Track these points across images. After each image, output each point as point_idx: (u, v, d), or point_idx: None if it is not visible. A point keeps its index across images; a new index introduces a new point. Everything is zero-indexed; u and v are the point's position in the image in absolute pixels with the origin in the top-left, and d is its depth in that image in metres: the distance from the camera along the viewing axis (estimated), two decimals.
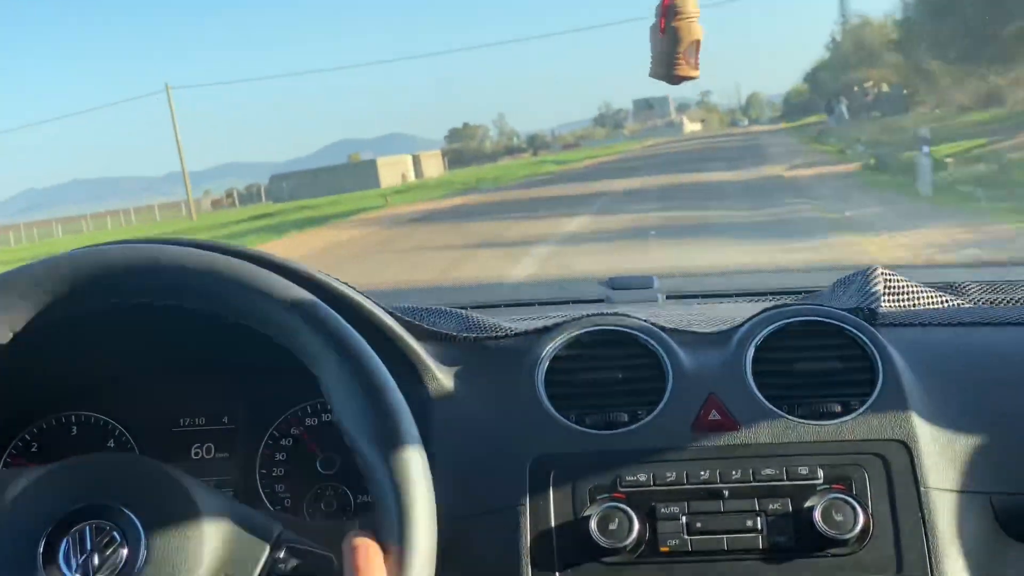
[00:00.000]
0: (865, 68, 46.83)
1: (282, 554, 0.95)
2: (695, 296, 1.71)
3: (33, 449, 1.31)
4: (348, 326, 1.00)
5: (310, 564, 0.95)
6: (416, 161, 65.64)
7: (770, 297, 1.61)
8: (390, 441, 0.94)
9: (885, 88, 42.91)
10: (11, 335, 0.99)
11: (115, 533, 0.92)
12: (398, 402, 0.97)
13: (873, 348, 1.19)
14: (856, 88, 45.55)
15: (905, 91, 37.64)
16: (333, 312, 1.00)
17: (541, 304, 1.64)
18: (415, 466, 0.94)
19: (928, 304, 1.38)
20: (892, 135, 26.79)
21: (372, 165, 58.59)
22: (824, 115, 52.38)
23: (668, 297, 1.69)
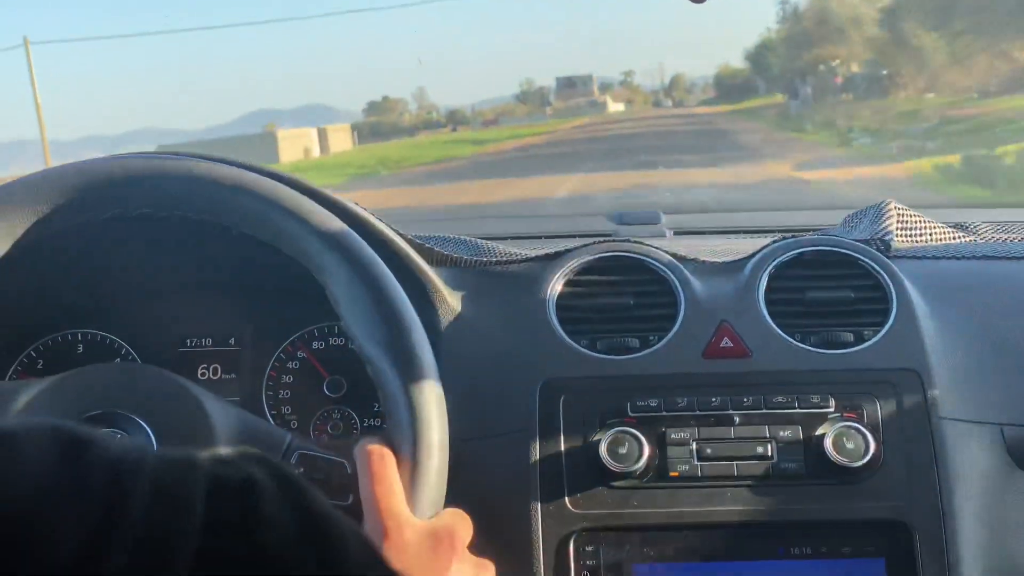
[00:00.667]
0: (831, 45, 41.68)
1: (294, 460, 0.96)
2: (703, 232, 1.70)
3: (39, 366, 1.31)
4: (353, 232, 0.99)
5: (322, 470, 0.96)
6: (322, 135, 58.25)
7: (778, 234, 1.59)
8: (399, 344, 0.94)
9: (855, 68, 39.66)
10: (10, 245, 0.98)
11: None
12: (405, 306, 0.96)
13: (887, 277, 1.19)
14: (821, 67, 40.84)
15: (885, 71, 34.42)
16: (338, 219, 0.99)
17: (549, 237, 1.63)
18: (426, 369, 0.94)
19: (940, 239, 1.37)
20: (897, 122, 23.23)
21: (271, 138, 50.79)
22: (773, 96, 49.12)
23: (676, 233, 1.68)
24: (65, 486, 0.42)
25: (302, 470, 0.97)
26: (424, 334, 0.97)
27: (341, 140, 60.08)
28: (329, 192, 1.17)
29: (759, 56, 56.82)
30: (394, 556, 0.83)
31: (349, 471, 0.96)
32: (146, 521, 0.42)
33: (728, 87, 71.87)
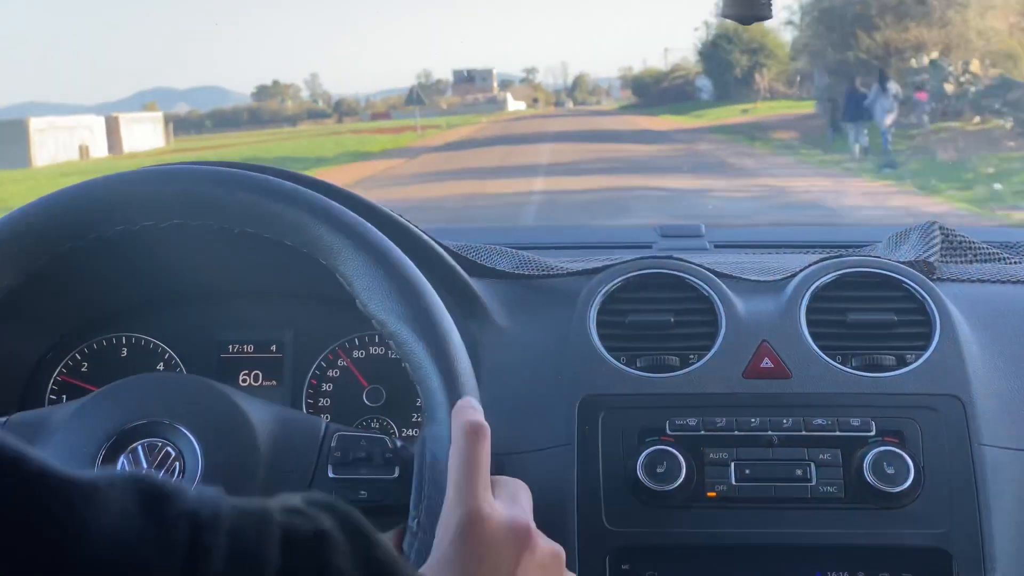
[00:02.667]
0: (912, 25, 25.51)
1: (334, 443, 0.97)
2: (744, 246, 1.69)
3: (83, 369, 1.32)
4: (361, 219, 0.99)
5: (363, 448, 0.97)
6: (112, 125, 40.61)
7: (821, 249, 1.59)
8: (422, 317, 0.93)
9: (975, 68, 22.36)
10: (52, 256, 1.00)
11: (169, 449, 0.93)
12: (423, 282, 0.96)
13: (930, 301, 1.18)
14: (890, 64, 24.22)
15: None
16: (345, 208, 0.99)
17: (589, 248, 1.63)
18: (451, 335, 0.94)
19: (986, 260, 1.36)
20: None
21: (20, 129, 34.14)
22: (750, 105, 38.45)
23: (716, 246, 1.67)
24: (148, 541, 0.43)
25: (340, 453, 0.97)
26: (443, 306, 0.96)
27: (145, 134, 43.94)
28: (365, 197, 1.18)
29: (717, 52, 46.60)
30: (473, 544, 0.79)
31: (390, 445, 0.97)
32: (224, 574, 0.43)
33: (648, 90, 62.13)
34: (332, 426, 1.00)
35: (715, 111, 38.56)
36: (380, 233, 0.99)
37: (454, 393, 0.92)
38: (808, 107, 31.83)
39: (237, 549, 0.44)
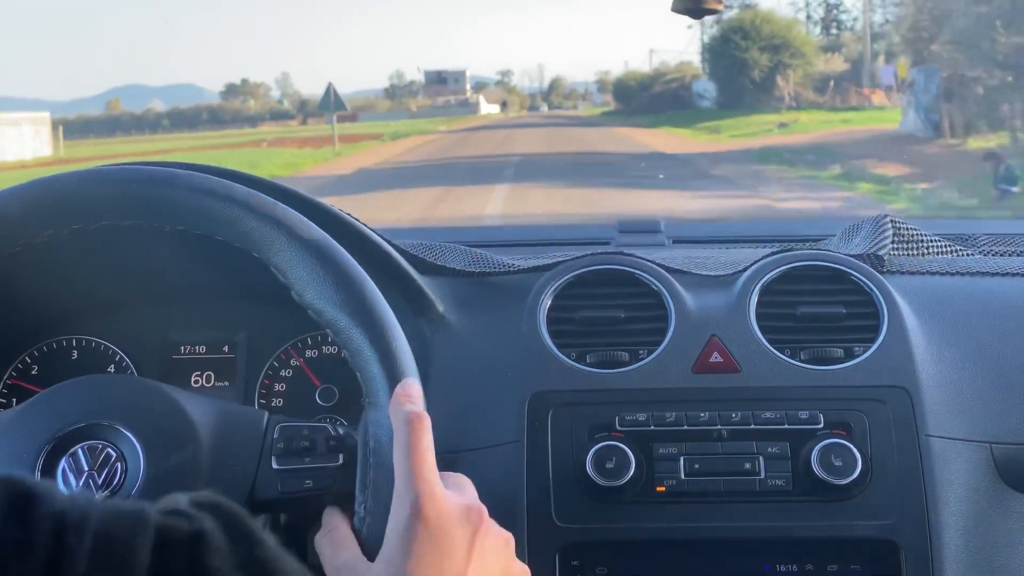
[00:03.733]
0: None
1: (276, 434, 0.97)
2: (702, 241, 1.70)
3: (33, 372, 1.31)
4: (291, 210, 0.98)
5: (306, 437, 0.96)
6: None
7: (777, 244, 1.59)
8: (358, 303, 0.93)
9: None
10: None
11: (110, 450, 0.93)
12: (357, 269, 0.95)
13: (878, 294, 1.19)
14: None
15: None
16: (277, 201, 0.99)
17: (547, 245, 1.63)
18: (389, 322, 0.93)
19: (937, 253, 1.36)
20: None
21: None
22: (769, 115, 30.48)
23: (675, 241, 1.68)
24: (8, 542, 0.42)
25: (283, 444, 0.96)
26: (378, 292, 0.96)
27: (20, 139, 34.01)
28: (305, 194, 1.18)
29: (726, 49, 37.49)
30: (428, 527, 0.79)
31: (332, 433, 0.97)
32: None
33: (630, 95, 54.23)
34: (274, 418, 1.00)
35: (730, 123, 29.82)
36: (310, 222, 0.98)
37: (394, 376, 0.91)
38: (869, 121, 24.96)
39: (104, 550, 0.44)
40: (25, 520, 0.43)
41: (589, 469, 1.08)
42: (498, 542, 0.85)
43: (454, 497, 0.83)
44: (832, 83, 33.40)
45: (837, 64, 35.97)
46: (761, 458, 1.10)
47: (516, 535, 1.08)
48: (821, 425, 1.11)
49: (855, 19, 44.14)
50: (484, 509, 0.84)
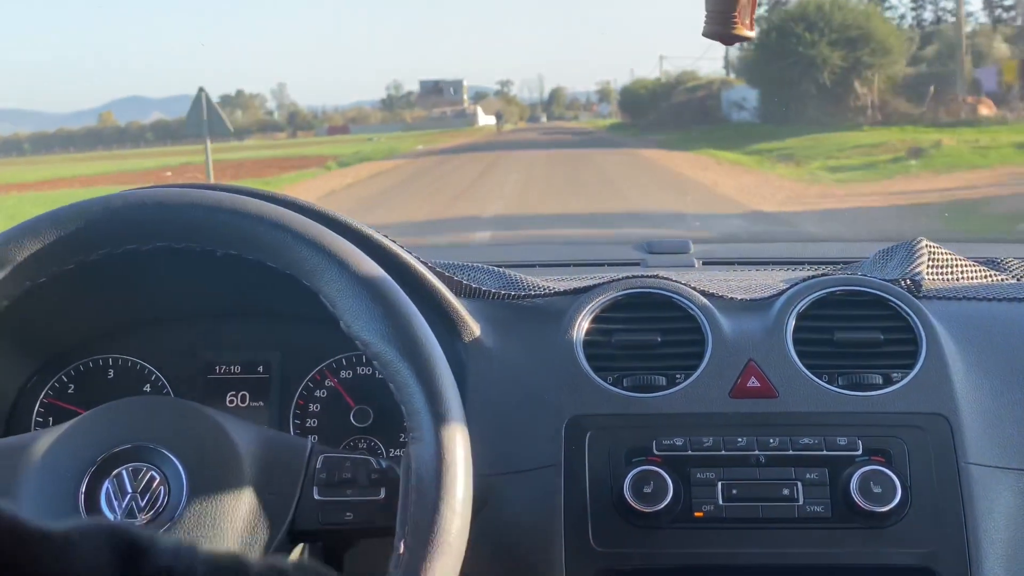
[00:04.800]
0: None
1: (319, 464, 0.97)
2: (731, 263, 1.70)
3: (70, 391, 1.32)
4: (343, 239, 0.99)
5: (348, 470, 0.97)
6: None
7: (808, 266, 1.59)
8: (406, 337, 0.93)
9: None
10: (34, 282, 0.99)
11: (153, 473, 0.93)
12: (406, 302, 0.96)
13: (916, 320, 1.18)
14: None
15: None
16: (326, 228, 0.99)
17: (577, 265, 1.63)
18: (436, 358, 0.94)
19: (972, 278, 1.36)
20: None
21: None
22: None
23: (704, 263, 1.68)
24: None
25: (326, 474, 0.98)
26: (426, 326, 0.96)
27: None
28: (348, 219, 1.18)
29: (784, 45, 27.70)
30: None
31: (375, 466, 0.98)
32: None
33: (645, 107, 48.26)
34: (317, 447, 1.01)
35: (798, 143, 21.58)
36: (363, 253, 0.99)
37: (438, 413, 0.92)
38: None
39: None
40: (136, 574, 0.43)
41: (626, 494, 1.08)
42: None
43: None
44: (933, 89, 24.94)
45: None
46: (799, 484, 1.10)
47: (553, 558, 1.09)
48: (860, 451, 1.10)
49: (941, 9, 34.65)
50: None
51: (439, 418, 0.91)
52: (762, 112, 31.21)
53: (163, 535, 0.48)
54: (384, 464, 0.99)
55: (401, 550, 0.87)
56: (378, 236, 1.20)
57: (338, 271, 0.95)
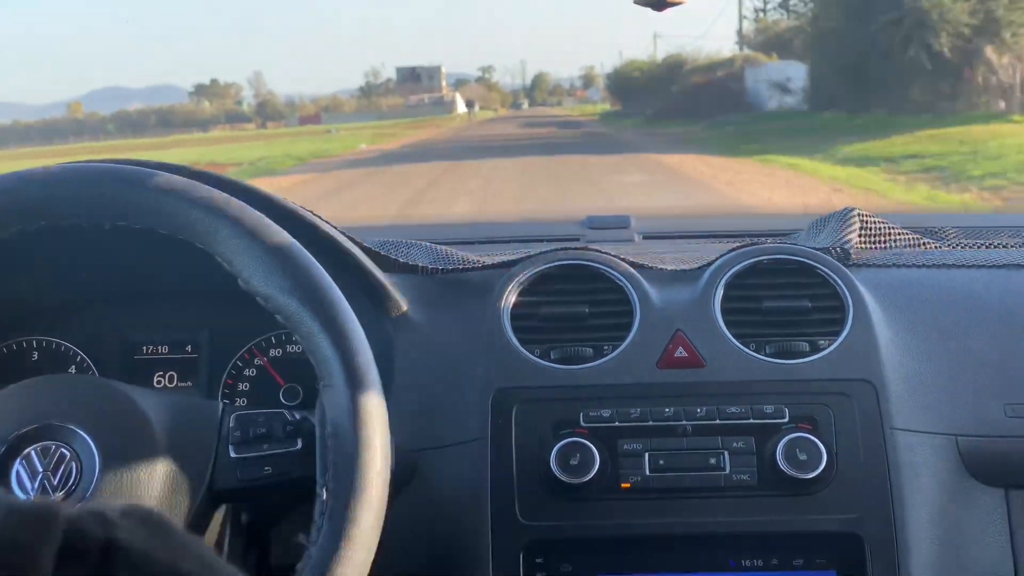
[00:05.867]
0: None
1: (232, 423, 0.96)
2: (671, 236, 1.69)
3: None
4: (231, 197, 0.96)
5: (262, 424, 0.96)
6: None
7: (747, 238, 1.59)
8: (307, 286, 0.91)
9: None
10: None
11: (63, 450, 0.91)
12: (303, 252, 0.94)
13: (844, 287, 1.18)
14: None
15: None
16: (214, 189, 0.97)
17: (517, 241, 1.62)
18: (339, 303, 0.92)
19: (905, 246, 1.36)
20: None
21: None
22: None
23: (645, 237, 1.67)
24: None
25: (240, 432, 0.96)
26: (326, 274, 0.94)
27: None
28: (286, 201, 1.16)
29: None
30: None
31: (289, 418, 0.97)
32: None
33: (639, 92, 41.22)
34: (230, 407, 0.99)
35: (931, 142, 15.48)
36: (254, 209, 0.96)
37: (347, 356, 0.90)
38: None
39: (3, 553, 0.43)
40: None
41: (553, 466, 1.07)
42: None
43: None
44: None
45: None
46: (726, 453, 1.09)
47: (480, 532, 1.08)
48: (786, 419, 1.10)
49: None
50: None
51: (348, 362, 0.90)
52: (815, 95, 22.78)
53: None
54: (299, 416, 0.98)
55: (324, 496, 0.86)
56: (305, 213, 1.18)
57: (231, 229, 0.93)
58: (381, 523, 0.87)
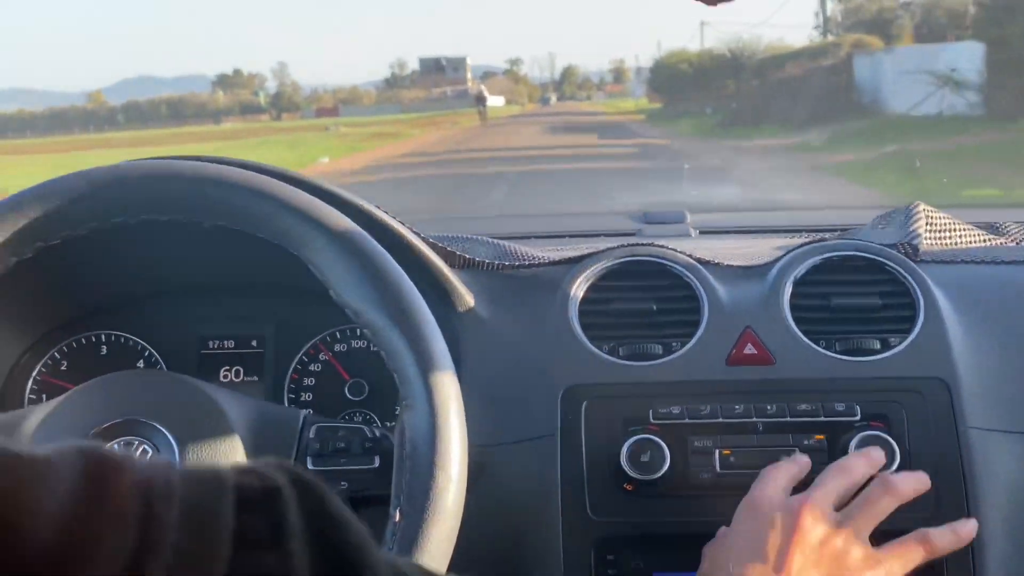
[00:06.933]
0: None
1: (312, 434, 0.98)
2: (728, 231, 1.69)
3: (63, 368, 1.31)
4: (331, 208, 0.98)
5: (343, 439, 0.98)
6: None
7: (805, 233, 1.58)
8: (397, 303, 0.92)
9: None
10: (32, 252, 0.98)
11: (145, 446, 0.92)
12: (396, 269, 0.95)
13: (914, 284, 1.17)
14: None
15: None
16: (316, 199, 0.98)
17: (573, 236, 1.62)
18: (428, 323, 0.93)
19: (970, 243, 1.35)
20: None
21: None
22: None
23: (701, 232, 1.66)
24: (100, 515, 0.42)
25: (319, 444, 0.98)
26: (417, 292, 0.95)
27: None
28: (339, 190, 1.16)
29: None
30: (752, 512, 0.98)
31: (369, 435, 0.98)
32: (179, 544, 0.43)
33: (686, 87, 35.02)
34: (311, 418, 1.00)
35: None
36: (351, 222, 0.97)
37: (431, 379, 0.91)
38: None
39: (191, 516, 0.44)
40: (113, 490, 0.43)
41: (624, 462, 1.07)
42: (827, 528, 0.96)
43: (780, 494, 0.99)
44: None
45: None
46: (798, 451, 1.09)
47: (550, 529, 1.08)
48: (858, 417, 1.10)
49: None
50: (811, 501, 0.96)
51: (432, 384, 0.90)
52: (994, 94, 15.57)
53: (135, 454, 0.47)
54: (378, 433, 0.99)
55: (397, 518, 0.87)
56: (369, 206, 1.19)
57: (326, 240, 0.94)
58: (451, 549, 0.88)
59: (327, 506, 0.49)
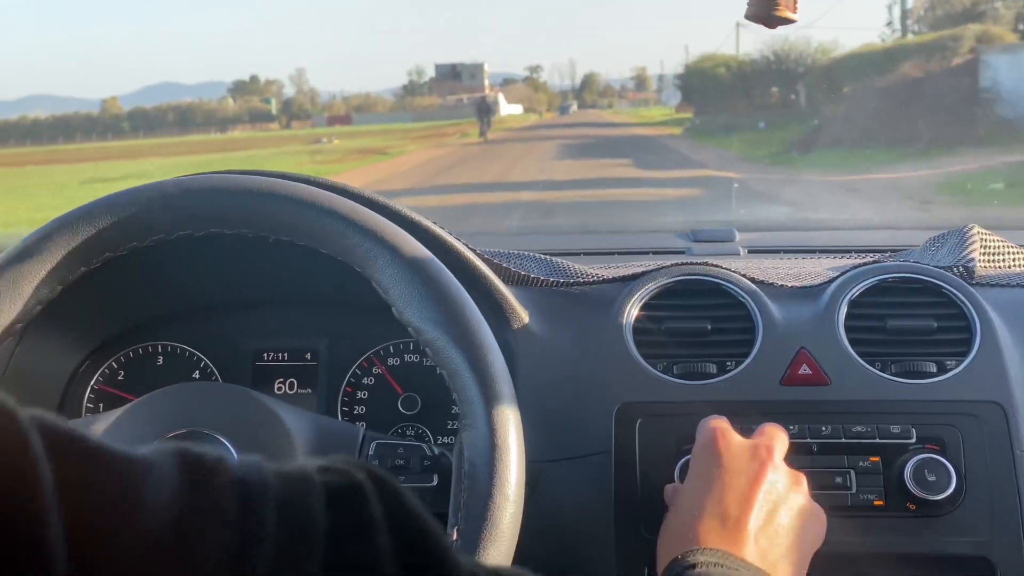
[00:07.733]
0: None
1: (371, 450, 0.99)
2: (777, 251, 1.68)
3: (120, 378, 1.33)
4: (395, 226, 0.99)
5: (401, 456, 0.99)
6: None
7: (855, 254, 1.57)
8: (458, 323, 0.94)
9: None
10: (100, 262, 1.00)
11: None
12: (458, 288, 0.96)
13: (970, 307, 1.17)
14: None
15: None
16: (380, 215, 1.00)
17: (622, 253, 1.62)
18: (489, 344, 0.94)
19: (1023, 266, 1.34)
20: None
21: None
22: None
23: (750, 251, 1.66)
24: (201, 513, 0.43)
25: (378, 460, 0.99)
26: (478, 312, 0.97)
27: None
28: (398, 205, 1.18)
29: None
30: (715, 458, 0.98)
31: (428, 453, 0.99)
32: (278, 540, 0.44)
33: (724, 94, 30.81)
34: (369, 434, 1.01)
35: None
36: (414, 240, 0.99)
37: (491, 399, 0.92)
38: None
39: (287, 513, 0.45)
40: (211, 489, 0.44)
41: (678, 481, 1.08)
42: (787, 479, 0.98)
43: (744, 439, 1.01)
44: None
45: None
46: (852, 472, 1.09)
47: (605, 546, 1.09)
48: (914, 440, 1.09)
49: None
50: (775, 448, 0.99)
51: (492, 405, 0.91)
52: None
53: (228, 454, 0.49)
54: (436, 451, 1.00)
55: (455, 536, 0.88)
56: (427, 222, 1.20)
57: (390, 258, 0.96)
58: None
59: (404, 500, 0.50)
